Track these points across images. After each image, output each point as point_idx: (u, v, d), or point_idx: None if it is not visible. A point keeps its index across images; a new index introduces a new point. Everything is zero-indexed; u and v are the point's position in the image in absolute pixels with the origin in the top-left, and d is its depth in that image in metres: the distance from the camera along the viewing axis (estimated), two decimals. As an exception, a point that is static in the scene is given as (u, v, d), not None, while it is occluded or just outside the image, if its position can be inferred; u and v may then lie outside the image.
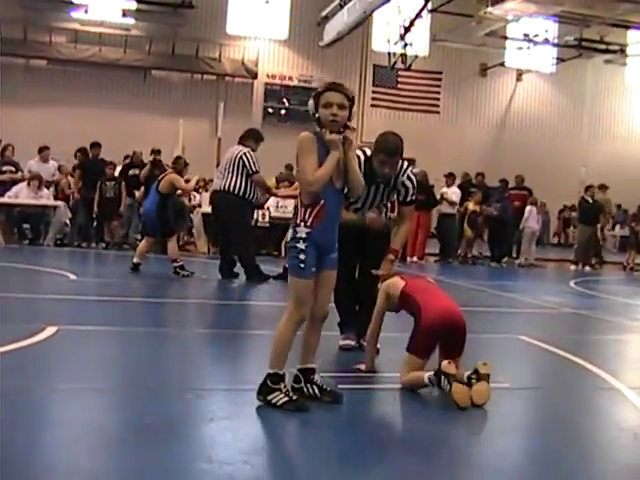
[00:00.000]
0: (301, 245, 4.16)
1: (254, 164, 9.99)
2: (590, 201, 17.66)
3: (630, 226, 19.44)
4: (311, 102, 4.26)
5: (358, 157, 5.35)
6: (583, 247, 17.76)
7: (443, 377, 4.46)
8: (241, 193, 10.00)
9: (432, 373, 4.53)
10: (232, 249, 10.43)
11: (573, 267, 17.41)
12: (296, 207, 4.28)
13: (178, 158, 12.21)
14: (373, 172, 5.54)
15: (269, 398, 4.17)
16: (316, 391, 4.37)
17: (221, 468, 3.29)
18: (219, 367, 5.52)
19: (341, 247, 5.00)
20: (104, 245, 14.89)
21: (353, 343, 5.98)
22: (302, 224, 4.18)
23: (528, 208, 17.57)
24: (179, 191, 11.30)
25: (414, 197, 5.80)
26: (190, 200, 15.42)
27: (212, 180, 16.21)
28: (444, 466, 3.60)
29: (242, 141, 10.18)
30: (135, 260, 10.53)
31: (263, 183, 10.64)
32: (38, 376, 4.64)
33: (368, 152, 5.65)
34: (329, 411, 4.35)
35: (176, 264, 10.49)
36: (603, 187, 18.95)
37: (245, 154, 9.97)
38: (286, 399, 4.15)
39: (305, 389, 4.38)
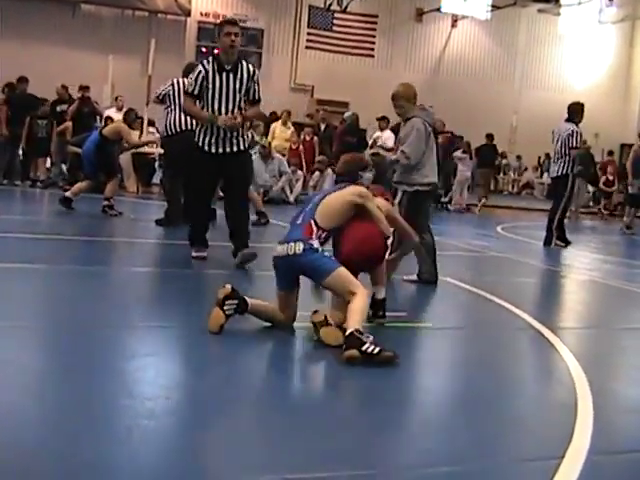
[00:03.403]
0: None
1: None
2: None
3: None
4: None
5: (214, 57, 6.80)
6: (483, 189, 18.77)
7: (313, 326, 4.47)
8: None
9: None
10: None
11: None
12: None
13: (130, 110, 11.99)
14: (221, 62, 6.64)
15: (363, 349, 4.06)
16: None
17: (142, 403, 3.29)
18: (143, 305, 5.47)
19: (198, 169, 6.90)
20: (30, 183, 14.51)
21: (205, 254, 7.02)
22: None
23: (458, 154, 17.81)
24: (126, 143, 11.03)
25: (260, 94, 6.84)
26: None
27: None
28: (366, 401, 3.66)
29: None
30: (67, 194, 10.29)
31: None
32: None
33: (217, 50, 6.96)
34: (248, 350, 4.38)
35: (107, 203, 10.30)
36: None
37: None
38: (378, 348, 4.07)
39: None
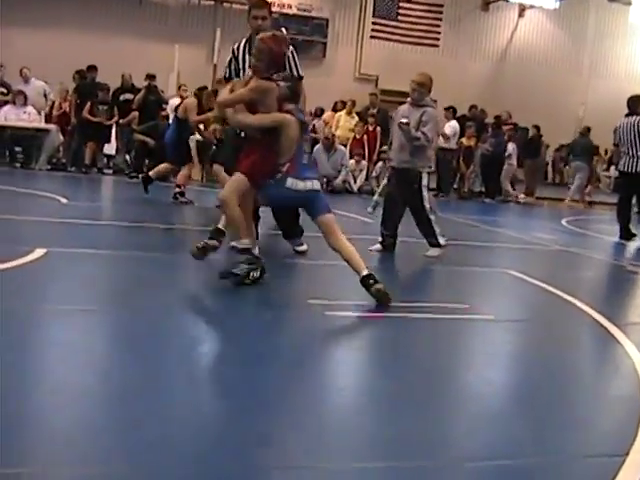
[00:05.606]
0: None
1: None
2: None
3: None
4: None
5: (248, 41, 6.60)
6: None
7: None
8: None
9: None
10: None
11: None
12: None
13: (204, 88, 11.53)
14: (252, 42, 6.16)
15: None
16: None
17: (206, 388, 3.34)
18: (209, 292, 5.53)
19: (232, 156, 6.29)
20: (97, 170, 14.78)
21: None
22: None
23: (510, 146, 17.38)
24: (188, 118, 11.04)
25: (300, 70, 6.65)
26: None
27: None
28: (425, 393, 3.65)
29: None
30: (150, 173, 10.63)
31: None
32: (25, 297, 4.64)
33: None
34: (307, 339, 4.40)
35: (178, 190, 10.43)
36: None
37: None
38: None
39: None
